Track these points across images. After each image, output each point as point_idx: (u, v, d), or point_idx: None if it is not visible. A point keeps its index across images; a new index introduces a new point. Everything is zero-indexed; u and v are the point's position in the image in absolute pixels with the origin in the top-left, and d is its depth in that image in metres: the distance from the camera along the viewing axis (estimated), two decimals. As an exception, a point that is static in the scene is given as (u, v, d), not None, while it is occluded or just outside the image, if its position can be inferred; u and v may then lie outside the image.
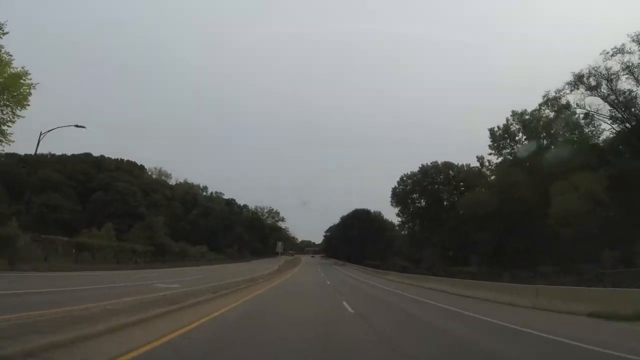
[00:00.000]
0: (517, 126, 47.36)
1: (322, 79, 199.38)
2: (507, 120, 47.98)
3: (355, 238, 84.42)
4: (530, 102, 60.13)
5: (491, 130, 47.90)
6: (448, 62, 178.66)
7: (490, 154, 48.26)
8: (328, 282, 30.85)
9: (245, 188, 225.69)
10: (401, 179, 73.46)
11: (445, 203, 69.33)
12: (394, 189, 74.13)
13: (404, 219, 74.95)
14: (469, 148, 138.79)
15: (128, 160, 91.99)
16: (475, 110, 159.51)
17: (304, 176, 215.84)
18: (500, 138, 48.59)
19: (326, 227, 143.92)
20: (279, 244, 46.27)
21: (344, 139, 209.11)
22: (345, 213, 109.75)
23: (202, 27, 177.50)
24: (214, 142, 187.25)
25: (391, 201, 74.78)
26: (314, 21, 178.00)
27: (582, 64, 40.19)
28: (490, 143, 48.41)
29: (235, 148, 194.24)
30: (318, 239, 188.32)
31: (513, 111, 47.79)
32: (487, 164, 49.86)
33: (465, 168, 69.46)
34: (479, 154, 49.27)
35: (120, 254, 43.39)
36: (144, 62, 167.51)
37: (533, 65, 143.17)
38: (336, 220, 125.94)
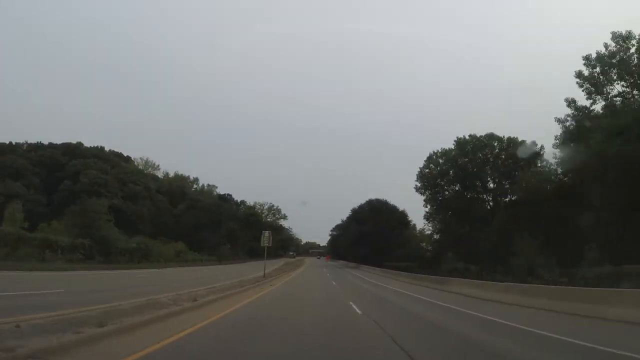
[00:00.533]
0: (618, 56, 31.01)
1: (322, 79, 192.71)
2: (606, 46, 31.64)
3: (369, 235, 67.74)
4: (529, 100, 52.54)
5: (586, 59, 31.41)
6: (448, 62, 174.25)
7: (588, 94, 31.47)
8: (358, 310, 13.16)
9: (247, 190, 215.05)
10: (430, 157, 56.84)
11: (491, 185, 53.01)
12: (421, 170, 57.70)
13: (433, 209, 58.39)
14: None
15: (111, 150, 77.96)
16: (476, 111, 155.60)
17: (307, 178, 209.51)
18: (591, 78, 32.26)
19: (331, 230, 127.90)
20: (265, 233, 26.50)
21: (348, 140, 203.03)
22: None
23: (201, 27, 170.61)
24: (213, 143, 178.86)
25: (416, 186, 58.30)
26: (313, 21, 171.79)
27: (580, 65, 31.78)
28: (578, 81, 32.02)
29: (236, 149, 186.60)
30: (323, 241, 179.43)
31: (614, 33, 31.36)
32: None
33: (512, 143, 53.08)
34: (569, 96, 32.52)
35: (26, 247, 27.81)
36: (144, 63, 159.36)
37: (533, 65, 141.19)
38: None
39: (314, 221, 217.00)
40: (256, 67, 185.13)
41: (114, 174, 63.23)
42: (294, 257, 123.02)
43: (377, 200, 72.36)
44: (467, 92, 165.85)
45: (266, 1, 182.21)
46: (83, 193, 55.29)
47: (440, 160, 56.29)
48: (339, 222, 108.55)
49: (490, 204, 53.62)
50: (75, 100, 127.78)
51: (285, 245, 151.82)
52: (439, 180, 56.46)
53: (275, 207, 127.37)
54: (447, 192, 55.98)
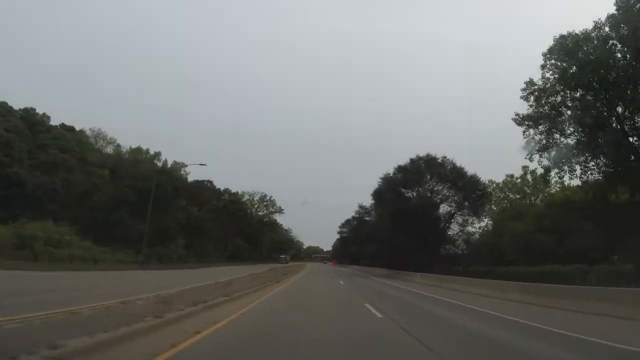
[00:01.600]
0: None
1: (322, 79, 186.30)
2: None
3: (412, 216, 37.59)
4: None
5: None
6: (448, 62, 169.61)
7: None
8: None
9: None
10: (553, 47, 27.61)
11: None
12: (531, 80, 28.60)
13: (558, 155, 29.16)
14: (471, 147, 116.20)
15: (46, 115, 52.33)
16: (476, 111, 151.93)
17: (310, 181, 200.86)
18: None
19: (339, 226, 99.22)
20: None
21: (347, 139, 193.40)
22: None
23: (200, 27, 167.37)
24: (211, 142, 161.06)
25: (517, 115, 29.24)
26: (313, 21, 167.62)
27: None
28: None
29: (234, 148, 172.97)
30: (327, 246, 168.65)
31: None
32: None
33: None
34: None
35: None
36: (143, 62, 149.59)
37: (533, 64, 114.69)
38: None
39: (316, 225, 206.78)
40: (256, 67, 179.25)
41: (39, 140, 43.35)
42: (287, 261, 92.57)
43: (430, 157, 40.18)
44: (466, 92, 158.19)
45: (266, 1, 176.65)
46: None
47: (558, 62, 27.19)
48: (347, 218, 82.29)
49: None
50: (75, 101, 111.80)
51: (285, 247, 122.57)
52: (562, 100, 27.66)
53: (268, 198, 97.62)
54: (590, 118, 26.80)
